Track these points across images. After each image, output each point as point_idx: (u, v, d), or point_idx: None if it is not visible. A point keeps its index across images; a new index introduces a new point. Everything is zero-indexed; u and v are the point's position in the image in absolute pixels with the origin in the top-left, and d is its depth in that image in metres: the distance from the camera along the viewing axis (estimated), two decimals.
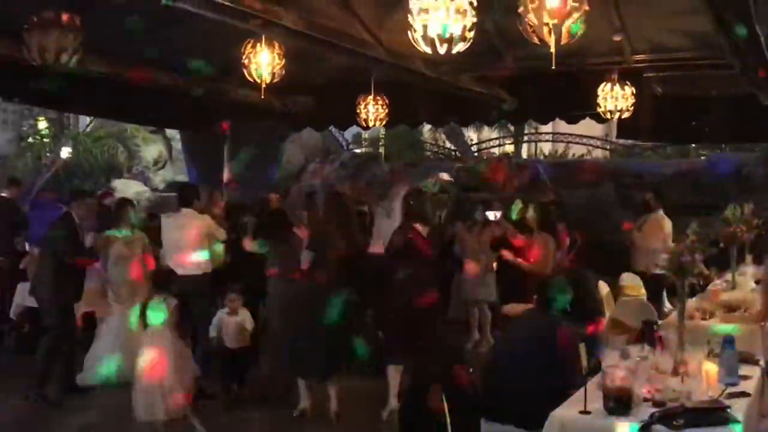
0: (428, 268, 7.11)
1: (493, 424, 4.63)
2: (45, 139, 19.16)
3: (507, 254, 8.62)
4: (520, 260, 8.46)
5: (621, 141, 19.34)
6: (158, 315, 7.19)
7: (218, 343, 7.49)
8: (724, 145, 17.39)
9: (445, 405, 3.89)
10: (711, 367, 4.39)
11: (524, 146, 24.51)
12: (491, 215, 10.12)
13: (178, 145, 17.62)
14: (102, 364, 8.11)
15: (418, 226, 7.10)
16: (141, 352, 7.17)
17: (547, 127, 20.86)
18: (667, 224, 9.50)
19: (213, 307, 7.90)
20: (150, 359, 7.07)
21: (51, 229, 7.73)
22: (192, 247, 7.86)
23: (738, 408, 4.03)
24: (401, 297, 6.94)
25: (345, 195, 9.20)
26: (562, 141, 22.85)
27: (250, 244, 8.04)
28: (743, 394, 4.30)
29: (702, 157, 18.12)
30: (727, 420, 3.81)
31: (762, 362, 5.16)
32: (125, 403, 7.03)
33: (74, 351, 7.86)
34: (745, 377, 4.62)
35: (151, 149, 20.51)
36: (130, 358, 7.92)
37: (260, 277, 8.10)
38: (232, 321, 7.50)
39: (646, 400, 4.07)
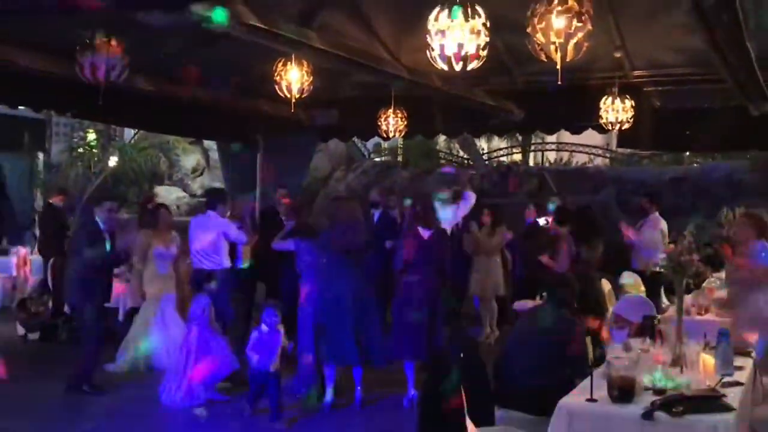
0: (435, 267, 7.10)
1: (506, 411, 4.62)
2: (94, 150, 19.28)
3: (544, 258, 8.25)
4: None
5: (621, 150, 19.26)
6: (196, 308, 7.21)
7: (257, 365, 6.54)
8: (716, 153, 17.29)
9: (463, 393, 3.87)
10: (708, 359, 4.36)
11: (531, 155, 24.42)
12: (542, 220, 9.96)
13: (214, 154, 17.71)
14: (131, 351, 8.25)
15: (420, 230, 7.10)
16: (177, 342, 7.22)
17: (551, 137, 20.83)
18: (663, 226, 9.45)
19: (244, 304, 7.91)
20: (186, 350, 7.10)
21: (74, 235, 7.68)
22: (210, 245, 7.92)
23: (733, 396, 4.00)
24: (413, 299, 6.98)
25: (347, 199, 9.03)
26: (566, 150, 22.78)
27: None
28: (737, 384, 4.28)
29: (695, 165, 18.02)
30: (723, 407, 3.78)
31: (754, 354, 5.13)
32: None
33: (102, 349, 7.69)
34: (739, 368, 4.59)
35: (190, 158, 20.65)
36: (158, 346, 8.07)
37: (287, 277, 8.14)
38: (270, 339, 6.58)
39: (647, 389, 4.04)
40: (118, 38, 6.60)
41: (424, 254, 7.04)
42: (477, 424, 4.12)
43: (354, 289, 6.86)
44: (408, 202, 11.29)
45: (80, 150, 19.41)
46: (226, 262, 8.05)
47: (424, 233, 7.08)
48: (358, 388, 7.02)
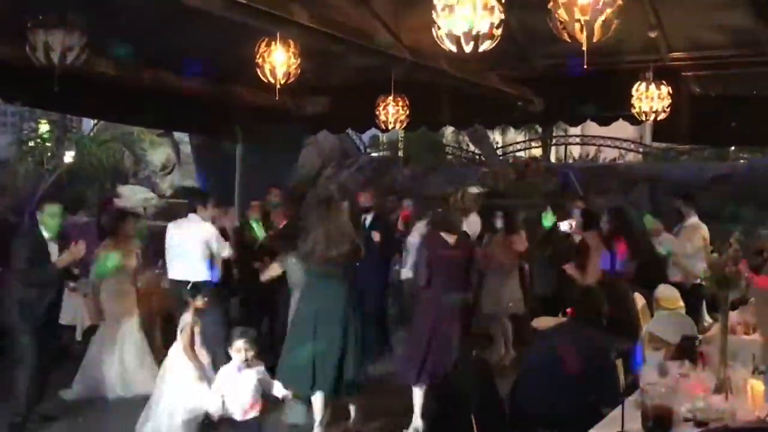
0: (457, 280, 7.13)
1: None
2: (47, 143, 19.30)
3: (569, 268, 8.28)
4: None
5: (656, 144, 19.31)
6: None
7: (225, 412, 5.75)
8: (765, 147, 17.32)
9: (474, 424, 3.88)
10: (756, 384, 4.35)
11: (552, 149, 24.48)
12: (565, 225, 9.69)
13: (186, 148, 17.69)
14: (89, 377, 8.18)
15: (444, 235, 7.12)
16: (162, 371, 7.04)
17: (576, 130, 20.87)
18: (704, 231, 9.42)
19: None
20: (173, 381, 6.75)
21: (14, 246, 7.14)
22: (191, 253, 7.90)
23: None
24: (430, 314, 7.00)
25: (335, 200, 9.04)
26: (592, 144, 22.83)
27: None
28: None
29: (742, 161, 18.05)
30: None
31: None
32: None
33: (44, 375, 7.36)
34: None
35: (159, 153, 20.63)
36: (121, 372, 8.04)
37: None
38: (242, 379, 5.73)
39: (687, 420, 4.04)
40: (76, 15, 6.60)
41: (449, 263, 7.08)
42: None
43: (335, 308, 6.86)
44: (408, 203, 11.32)
45: (31, 143, 19.40)
46: (206, 273, 7.99)
47: (449, 239, 7.11)
48: (353, 415, 7.02)
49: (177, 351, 6.68)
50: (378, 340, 9.87)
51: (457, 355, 6.76)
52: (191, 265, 7.88)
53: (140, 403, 7.06)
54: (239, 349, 5.63)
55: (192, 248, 7.90)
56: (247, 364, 5.67)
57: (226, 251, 8.15)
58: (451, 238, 7.11)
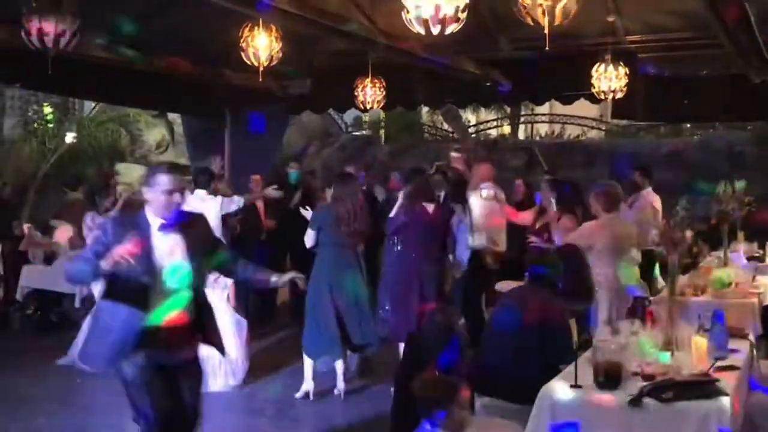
0: (437, 244, 7.21)
1: (487, 399, 4.63)
2: (49, 125, 19.05)
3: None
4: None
5: (616, 121, 19.30)
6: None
7: None
8: (717, 124, 17.37)
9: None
10: (700, 341, 4.37)
11: (521, 127, 24.45)
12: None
13: (180, 128, 17.54)
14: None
15: (426, 204, 7.19)
16: None
17: (543, 108, 20.86)
18: (657, 202, 9.46)
19: None
20: None
21: None
22: None
23: (727, 381, 4.02)
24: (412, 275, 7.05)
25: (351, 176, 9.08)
26: (558, 122, 22.83)
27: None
28: (732, 368, 4.30)
29: (696, 137, 18.09)
30: (715, 393, 3.79)
31: (751, 336, 5.16)
32: None
33: None
34: (734, 351, 4.61)
35: (154, 133, 20.45)
36: None
37: None
38: None
39: (635, 374, 4.05)
40: (69, 1, 6.49)
41: (428, 229, 7.13)
42: None
43: (351, 277, 7.00)
44: (397, 175, 11.28)
45: (35, 125, 19.18)
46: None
47: (429, 207, 7.15)
48: (340, 376, 7.04)
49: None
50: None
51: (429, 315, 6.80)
52: None
53: None
54: None
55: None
56: None
57: (237, 203, 8.11)
58: (429, 207, 7.19)
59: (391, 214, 7.29)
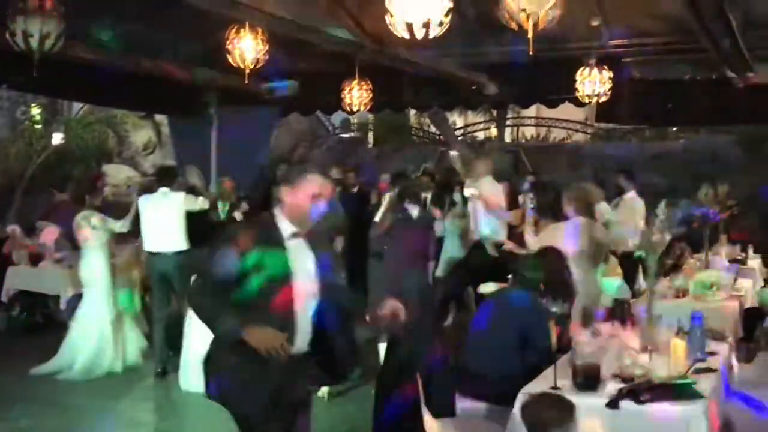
0: (418, 247, 7.22)
1: (468, 401, 4.64)
2: (37, 125, 18.97)
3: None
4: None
5: (601, 125, 19.36)
6: None
7: None
8: (699, 127, 17.44)
9: (419, 381, 3.89)
10: (679, 344, 4.40)
11: (508, 130, 24.48)
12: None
13: (166, 130, 17.51)
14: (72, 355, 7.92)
15: (410, 207, 7.20)
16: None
17: (530, 111, 20.88)
18: (640, 206, 9.50)
19: None
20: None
21: None
22: (169, 224, 7.78)
23: (704, 383, 4.05)
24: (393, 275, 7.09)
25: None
26: (543, 125, 22.88)
27: None
28: (709, 370, 4.33)
29: (681, 140, 18.17)
30: (692, 395, 3.82)
31: (730, 339, 5.20)
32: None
33: None
34: (713, 353, 4.64)
35: (141, 134, 20.40)
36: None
37: None
38: None
39: (614, 376, 4.08)
40: (54, 2, 6.47)
41: (410, 233, 7.14)
42: (436, 416, 4.15)
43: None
44: (386, 177, 11.30)
45: (22, 126, 19.10)
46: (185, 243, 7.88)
47: (413, 210, 7.16)
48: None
49: None
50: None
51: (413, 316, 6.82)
52: (167, 236, 7.79)
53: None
54: None
55: (167, 220, 7.80)
56: None
57: (200, 204, 8.04)
58: (414, 209, 7.20)
59: (376, 218, 7.32)
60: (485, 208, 8.42)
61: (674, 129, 19.21)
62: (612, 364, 4.17)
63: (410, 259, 7.20)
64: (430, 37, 5.39)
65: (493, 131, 23.85)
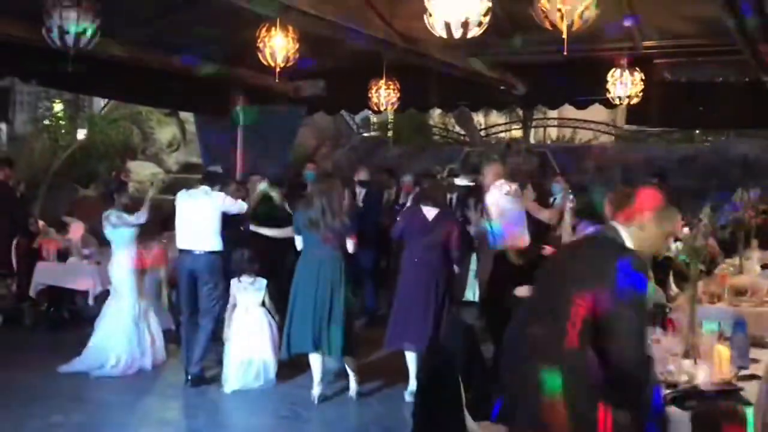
0: (435, 250, 7.07)
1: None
2: (61, 121, 19.08)
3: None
4: None
5: (626, 126, 19.25)
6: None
7: None
8: (729, 131, 17.30)
9: (462, 385, 3.86)
10: (723, 350, 4.34)
11: (531, 131, 24.39)
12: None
13: (192, 127, 17.57)
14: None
15: (426, 208, 7.08)
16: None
17: (553, 113, 20.82)
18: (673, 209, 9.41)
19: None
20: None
21: None
22: (204, 224, 7.66)
23: (750, 390, 4.00)
24: (414, 282, 6.98)
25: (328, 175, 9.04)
26: (569, 126, 22.76)
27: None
28: (754, 377, 4.28)
29: (707, 144, 18.05)
30: (740, 402, 3.77)
31: None
32: None
33: None
34: (755, 360, 4.59)
35: (165, 132, 20.47)
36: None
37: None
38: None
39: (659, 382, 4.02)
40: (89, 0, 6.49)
41: (426, 235, 7.02)
42: (476, 418, 4.11)
43: (324, 273, 6.85)
44: (408, 178, 11.27)
45: (46, 121, 19.21)
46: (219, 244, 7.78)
47: (429, 213, 7.07)
48: (352, 376, 7.02)
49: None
50: (372, 301, 10.29)
51: (440, 321, 6.77)
52: (201, 235, 7.65)
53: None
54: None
55: (203, 219, 7.65)
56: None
57: (239, 206, 7.82)
58: (431, 212, 7.07)
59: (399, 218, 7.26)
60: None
61: (700, 132, 19.09)
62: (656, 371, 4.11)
63: (436, 261, 7.05)
64: (468, 36, 5.37)
65: (515, 132, 23.76)
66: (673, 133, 19.08)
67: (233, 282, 7.47)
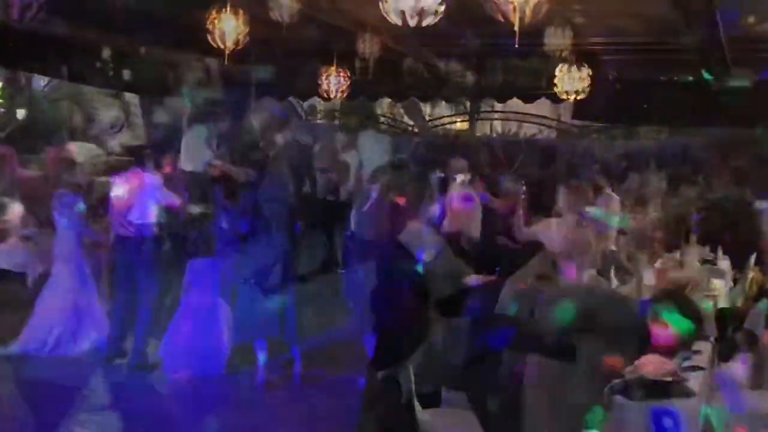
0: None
1: (455, 392, 4.61)
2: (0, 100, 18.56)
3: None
4: None
5: (570, 121, 19.42)
6: None
7: None
8: (673, 128, 17.56)
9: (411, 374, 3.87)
10: None
11: (477, 124, 24.47)
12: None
13: (136, 109, 17.26)
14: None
15: (396, 200, 7.11)
16: None
17: (498, 106, 20.90)
18: (616, 203, 9.55)
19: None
20: None
21: None
22: (134, 207, 7.51)
23: (693, 381, 4.07)
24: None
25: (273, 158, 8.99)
26: (515, 120, 22.86)
27: None
28: (697, 368, 4.36)
29: (652, 141, 18.28)
30: (684, 392, 3.84)
31: (712, 338, 5.24)
32: None
33: None
34: (697, 352, 4.67)
35: (109, 113, 20.05)
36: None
37: None
38: None
39: None
40: None
41: (395, 223, 7.03)
42: (424, 406, 4.13)
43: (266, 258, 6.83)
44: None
45: None
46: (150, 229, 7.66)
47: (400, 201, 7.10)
48: (297, 363, 6.98)
49: None
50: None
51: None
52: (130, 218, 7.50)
53: None
54: None
55: (135, 202, 7.51)
56: None
57: (171, 199, 7.81)
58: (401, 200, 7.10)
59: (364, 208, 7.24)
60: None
61: (646, 129, 19.36)
62: None
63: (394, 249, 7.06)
64: (423, 25, 5.37)
65: (460, 124, 23.80)
66: (616, 130, 19.31)
67: (188, 264, 7.34)
